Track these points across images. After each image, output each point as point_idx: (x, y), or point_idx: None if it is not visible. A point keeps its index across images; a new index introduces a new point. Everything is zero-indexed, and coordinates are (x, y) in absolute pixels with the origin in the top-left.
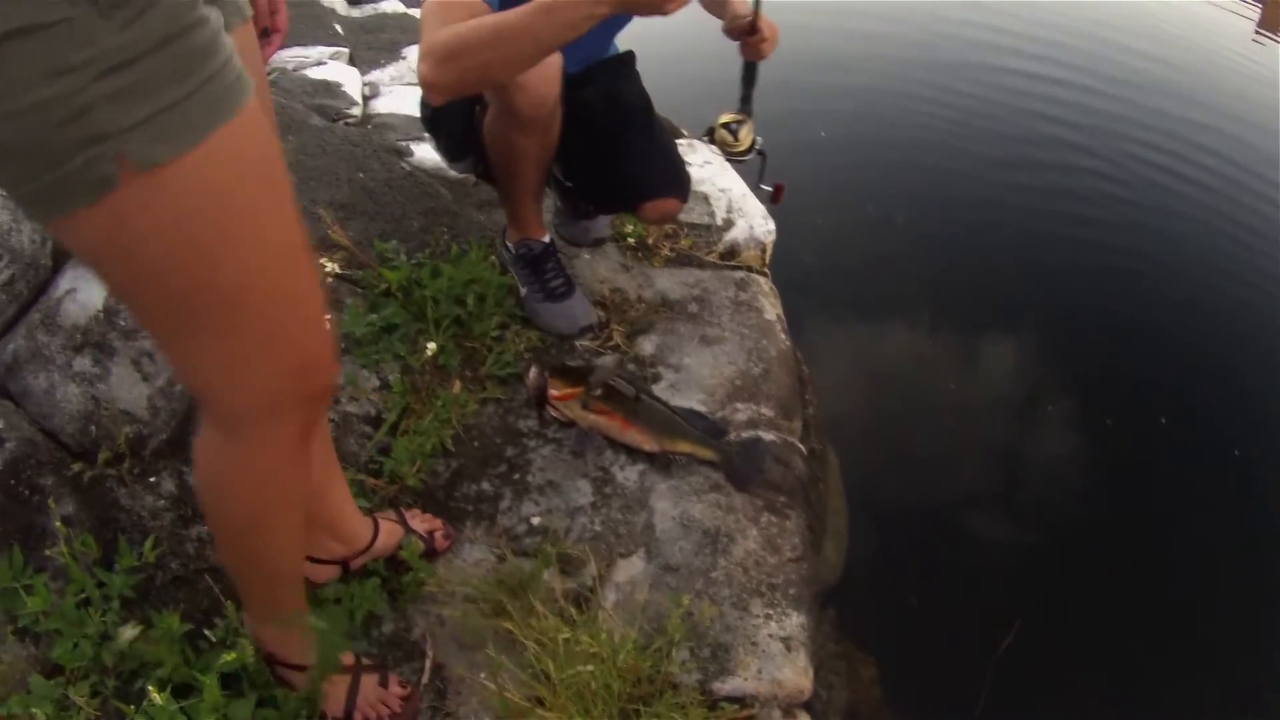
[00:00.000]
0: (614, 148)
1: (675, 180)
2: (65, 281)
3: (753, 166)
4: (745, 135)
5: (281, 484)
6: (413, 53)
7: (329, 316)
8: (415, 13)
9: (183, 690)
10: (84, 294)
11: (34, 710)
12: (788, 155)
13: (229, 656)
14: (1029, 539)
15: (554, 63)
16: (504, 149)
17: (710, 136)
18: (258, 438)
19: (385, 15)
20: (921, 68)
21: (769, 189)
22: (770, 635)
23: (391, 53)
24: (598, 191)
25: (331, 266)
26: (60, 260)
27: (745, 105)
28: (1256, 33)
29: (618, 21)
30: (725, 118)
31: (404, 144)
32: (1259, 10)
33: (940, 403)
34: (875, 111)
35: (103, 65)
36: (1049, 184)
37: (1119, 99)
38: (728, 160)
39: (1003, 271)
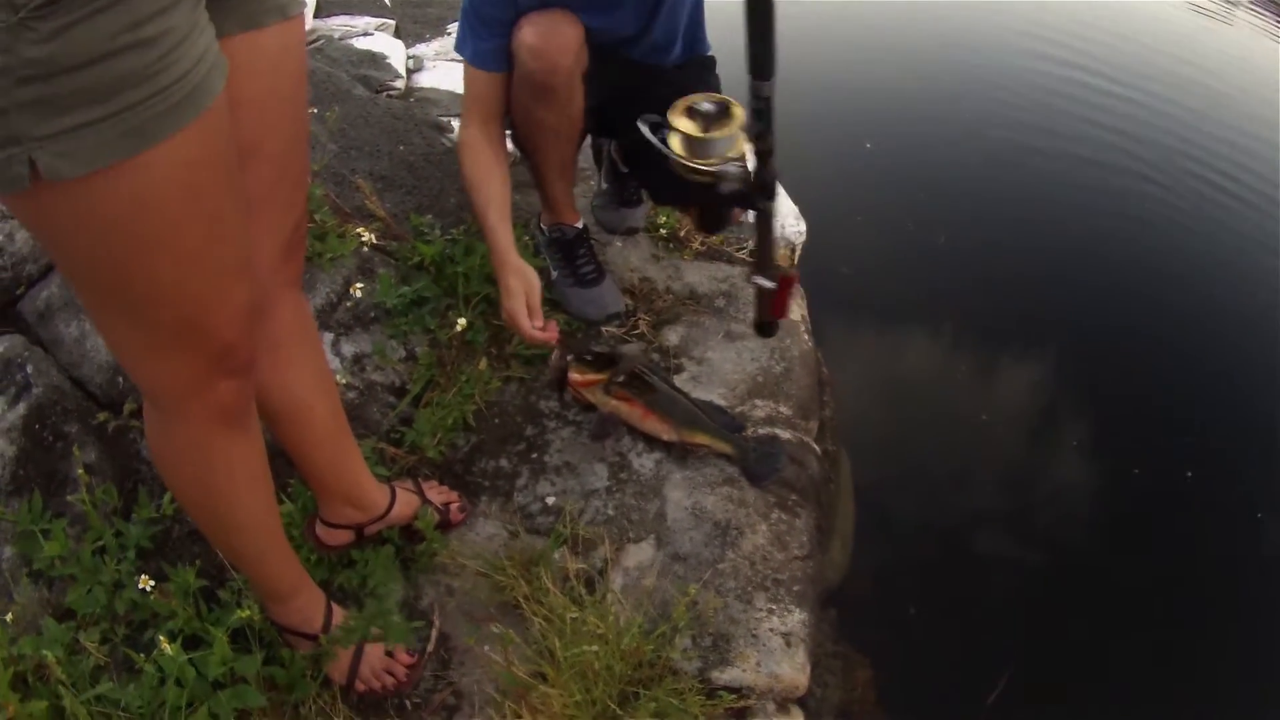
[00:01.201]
0: None
1: None
2: None
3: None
4: (726, 136)
5: (210, 459)
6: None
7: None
8: None
9: (192, 643)
10: None
11: (45, 652)
12: (829, 161)
13: (241, 613)
14: (1034, 562)
15: (570, 32)
16: (524, 118)
17: (653, 130)
18: (184, 413)
19: None
20: (976, 80)
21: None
22: (771, 630)
23: (437, 28)
24: (664, 185)
25: (368, 237)
26: None
27: (760, 71)
28: None
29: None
30: (699, 101)
31: (445, 119)
32: None
33: (958, 418)
34: (926, 125)
35: (19, 74)
36: (1098, 206)
37: (1176, 119)
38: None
39: (1038, 293)
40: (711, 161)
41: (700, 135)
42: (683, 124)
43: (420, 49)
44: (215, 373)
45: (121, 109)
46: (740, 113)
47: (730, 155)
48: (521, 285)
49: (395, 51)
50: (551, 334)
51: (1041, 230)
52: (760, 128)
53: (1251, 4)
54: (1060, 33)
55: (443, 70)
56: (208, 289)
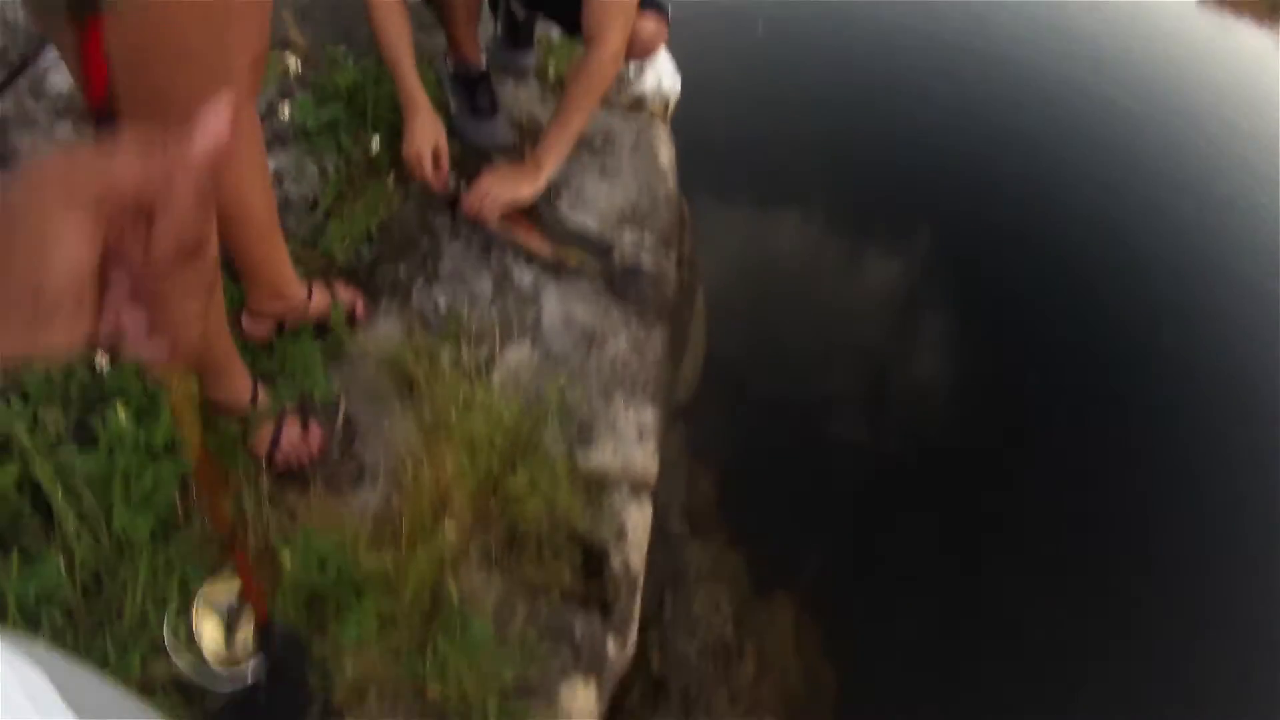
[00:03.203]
0: None
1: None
2: (52, 53)
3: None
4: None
5: None
6: None
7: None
8: None
9: (140, 417)
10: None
11: (14, 424)
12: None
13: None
14: (864, 418)
15: None
16: None
17: None
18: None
19: None
20: None
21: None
22: (627, 422)
23: None
24: (568, 11)
25: (292, 64)
26: None
27: None
28: None
29: None
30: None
31: None
32: None
33: (806, 278)
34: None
35: None
36: (976, 100)
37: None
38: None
39: (906, 179)
40: None
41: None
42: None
43: None
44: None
45: None
46: None
47: None
48: (430, 134)
49: None
50: (443, 181)
51: (921, 115)
52: None
53: None
54: None
55: None
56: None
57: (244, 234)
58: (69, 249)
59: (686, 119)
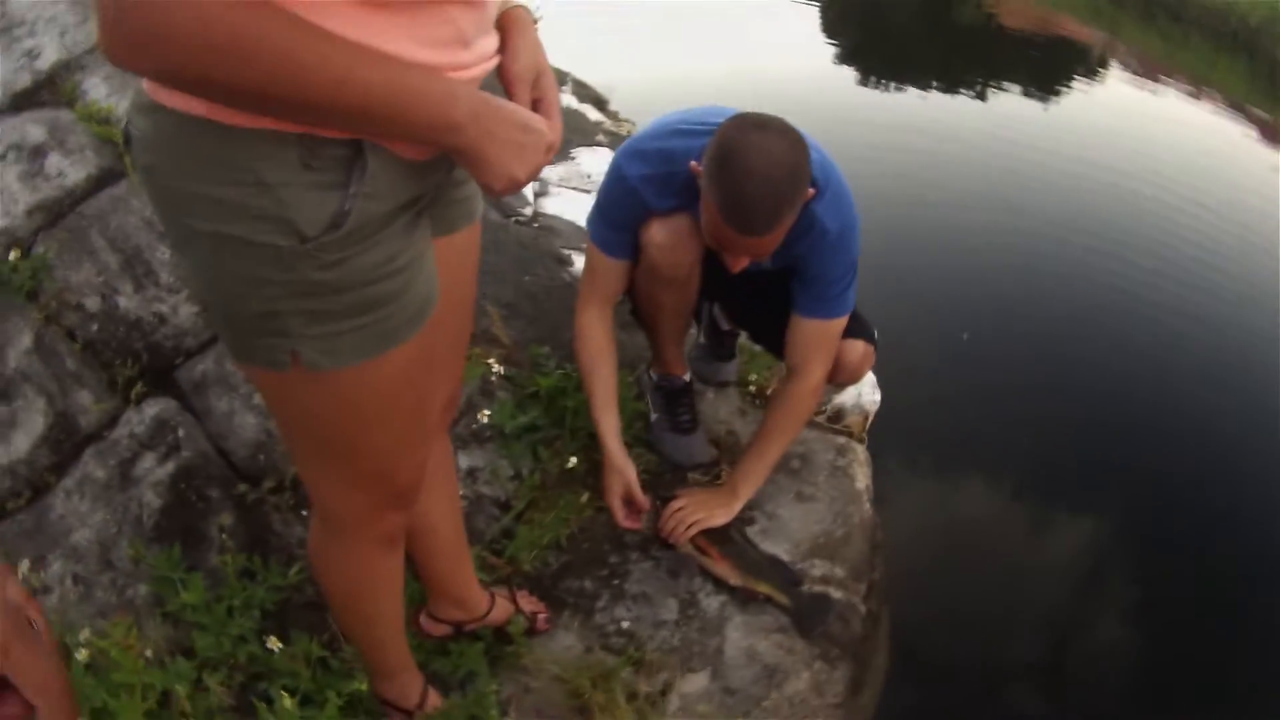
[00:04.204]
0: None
1: (860, 325)
2: None
3: None
4: None
5: (371, 572)
6: (582, 154)
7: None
8: (588, 111)
9: (304, 702)
10: None
11: (176, 687)
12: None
13: (358, 685)
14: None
15: (695, 239)
16: (646, 297)
17: None
18: (354, 536)
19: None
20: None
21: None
22: None
23: (562, 152)
24: (773, 335)
25: (493, 363)
26: None
27: None
28: None
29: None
30: None
31: (566, 253)
32: None
33: (1006, 590)
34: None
35: (298, 289)
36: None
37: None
38: None
39: (1105, 458)
40: None
41: None
42: None
43: (545, 172)
44: (389, 508)
45: (376, 320)
46: None
47: None
48: (620, 481)
49: None
50: (637, 524)
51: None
52: None
53: None
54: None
55: (567, 197)
56: (404, 448)
57: (429, 551)
58: None
59: (885, 431)
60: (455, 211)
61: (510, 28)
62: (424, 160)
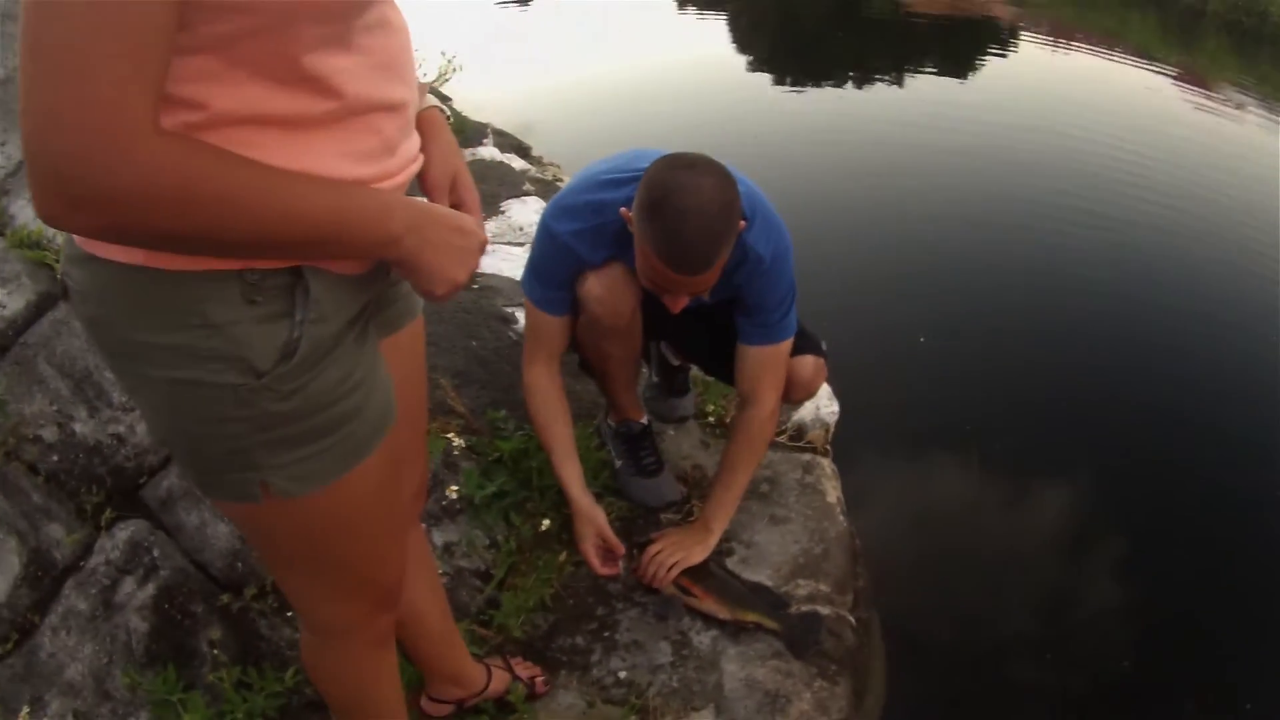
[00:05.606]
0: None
1: (807, 340)
2: None
3: None
4: None
5: (369, 672)
6: (512, 205)
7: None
8: (511, 160)
9: None
10: None
11: None
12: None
13: None
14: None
15: (632, 288)
16: (592, 349)
17: None
18: (346, 643)
19: (484, 162)
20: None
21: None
22: None
23: (491, 206)
24: (721, 365)
25: (453, 437)
26: None
27: None
28: None
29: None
30: None
31: (509, 310)
32: None
33: (989, 594)
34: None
35: (261, 423)
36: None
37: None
38: None
39: (1064, 433)
40: None
41: None
42: None
43: None
44: (378, 611)
45: (341, 439)
46: None
47: None
48: (590, 528)
49: None
50: (615, 570)
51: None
52: None
53: None
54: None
55: (502, 253)
56: (382, 552)
57: (419, 636)
58: None
59: (848, 440)
60: (396, 310)
61: (425, 132)
62: (363, 273)
